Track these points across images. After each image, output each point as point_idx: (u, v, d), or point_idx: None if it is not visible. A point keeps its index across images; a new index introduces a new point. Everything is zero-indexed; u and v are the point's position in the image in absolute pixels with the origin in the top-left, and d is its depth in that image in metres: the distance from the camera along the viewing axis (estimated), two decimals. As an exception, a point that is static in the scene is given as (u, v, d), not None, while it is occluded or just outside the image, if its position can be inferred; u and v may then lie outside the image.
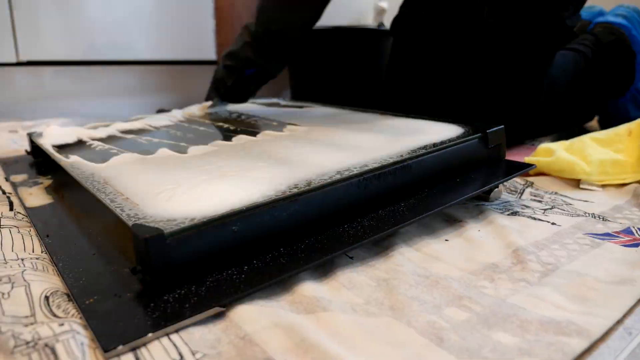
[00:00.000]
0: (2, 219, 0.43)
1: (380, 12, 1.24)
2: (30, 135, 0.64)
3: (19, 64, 0.94)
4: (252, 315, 0.29)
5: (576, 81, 0.76)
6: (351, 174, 0.39)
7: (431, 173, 0.45)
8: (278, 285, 0.32)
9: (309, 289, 0.31)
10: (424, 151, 0.44)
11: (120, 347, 0.25)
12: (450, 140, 0.47)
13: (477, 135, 0.48)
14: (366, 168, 0.40)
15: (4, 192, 0.53)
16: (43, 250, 0.38)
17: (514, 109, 0.69)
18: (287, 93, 1.29)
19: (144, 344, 0.26)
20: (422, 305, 0.30)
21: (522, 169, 0.48)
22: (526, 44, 0.65)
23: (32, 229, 0.42)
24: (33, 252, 0.37)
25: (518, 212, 0.47)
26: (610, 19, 0.85)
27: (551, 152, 0.58)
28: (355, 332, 0.27)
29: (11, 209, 0.47)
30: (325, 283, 0.33)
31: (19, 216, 0.45)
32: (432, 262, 0.36)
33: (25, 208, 0.47)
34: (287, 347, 0.26)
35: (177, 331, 0.27)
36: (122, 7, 1.05)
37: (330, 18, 1.28)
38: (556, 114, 0.76)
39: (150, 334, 0.26)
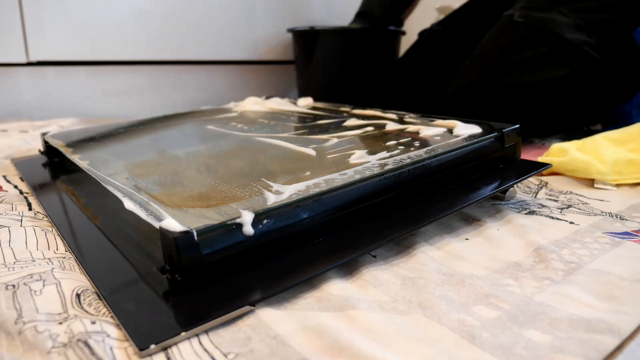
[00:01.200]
0: (23, 218, 0.44)
1: (387, 12, 1.24)
2: (43, 135, 0.64)
3: (30, 64, 0.94)
4: (281, 314, 0.29)
5: (584, 82, 0.76)
6: (372, 173, 0.39)
7: (449, 172, 0.45)
8: (304, 282, 0.32)
9: (335, 287, 0.32)
10: (441, 150, 0.44)
11: (152, 347, 0.25)
12: (467, 140, 0.47)
13: (493, 134, 0.49)
14: (386, 167, 0.40)
15: (21, 192, 0.54)
16: (67, 249, 0.38)
17: (523, 108, 0.70)
18: (294, 93, 1.29)
19: (176, 343, 0.26)
20: (450, 303, 0.30)
21: (538, 168, 0.49)
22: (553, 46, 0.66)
23: (53, 229, 0.42)
24: (57, 250, 0.37)
25: (535, 211, 0.47)
26: None
27: (565, 152, 0.58)
28: (386, 330, 0.27)
29: (30, 208, 0.48)
30: (352, 281, 0.33)
31: (39, 215, 0.45)
32: (455, 260, 0.36)
33: (44, 208, 0.47)
34: (321, 346, 0.26)
35: (206, 330, 0.27)
36: (128, 7, 1.05)
37: (337, 18, 1.28)
38: (564, 114, 0.76)
39: (183, 333, 0.26)
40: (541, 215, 0.46)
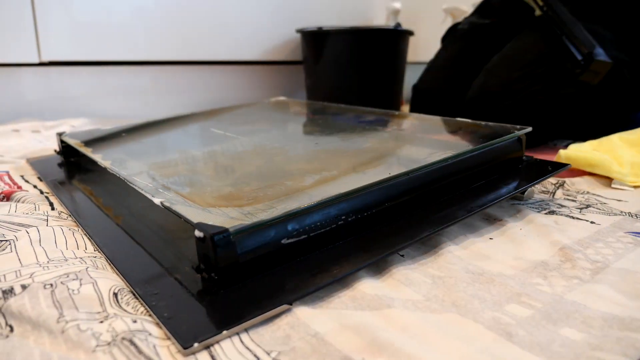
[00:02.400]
0: (48, 218, 0.44)
1: (394, 12, 1.25)
2: (60, 135, 0.64)
3: (41, 64, 0.95)
4: (317, 312, 0.29)
5: (611, 96, 0.77)
6: (397, 172, 0.39)
7: (470, 172, 0.46)
8: (336, 281, 0.32)
9: (368, 286, 0.32)
10: (464, 150, 0.45)
11: (196, 345, 0.26)
12: (489, 140, 0.47)
13: (513, 135, 0.49)
14: (411, 167, 0.41)
15: (41, 192, 0.54)
16: (95, 249, 0.38)
17: (549, 116, 0.70)
18: (302, 93, 1.30)
19: (217, 342, 0.26)
20: (483, 302, 0.30)
21: (558, 168, 0.49)
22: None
23: (79, 228, 0.42)
24: (87, 250, 0.38)
25: (555, 211, 0.47)
26: None
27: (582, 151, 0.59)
28: (423, 328, 0.28)
29: (53, 208, 0.48)
30: (383, 280, 0.33)
31: (63, 215, 0.46)
32: (482, 260, 0.37)
33: (67, 207, 0.47)
34: (361, 345, 0.26)
35: (246, 329, 0.28)
36: (136, 7, 1.05)
37: (342, 19, 1.29)
38: (582, 117, 0.77)
39: (224, 332, 0.26)
40: (561, 215, 0.46)
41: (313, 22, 1.22)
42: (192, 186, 0.41)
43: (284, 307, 0.29)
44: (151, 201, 0.44)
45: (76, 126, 0.93)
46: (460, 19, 1.00)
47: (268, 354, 0.25)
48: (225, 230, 0.30)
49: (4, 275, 0.32)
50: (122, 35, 1.04)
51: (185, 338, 0.26)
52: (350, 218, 0.36)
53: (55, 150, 0.66)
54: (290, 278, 0.31)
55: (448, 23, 1.08)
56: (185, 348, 0.25)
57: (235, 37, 1.18)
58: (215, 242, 0.29)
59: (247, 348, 0.26)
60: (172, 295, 0.30)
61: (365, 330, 0.27)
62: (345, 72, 1.07)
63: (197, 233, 0.30)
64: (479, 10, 0.89)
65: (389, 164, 0.45)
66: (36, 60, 0.93)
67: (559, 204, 0.49)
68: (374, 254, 0.34)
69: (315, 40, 1.07)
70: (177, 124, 0.72)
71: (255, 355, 0.25)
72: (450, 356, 0.25)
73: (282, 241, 0.32)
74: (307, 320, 0.28)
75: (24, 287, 0.30)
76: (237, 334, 0.27)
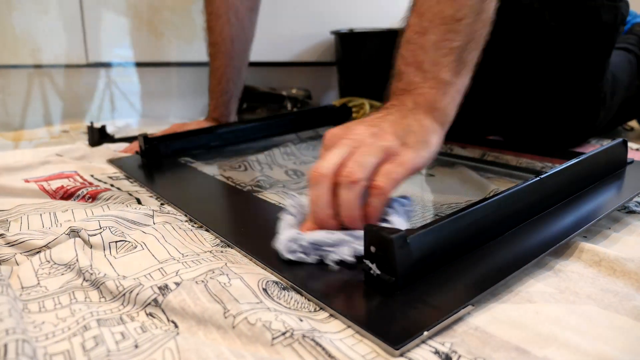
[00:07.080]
0: (154, 214, 0.44)
1: (422, 14, 1.26)
2: (143, 136, 0.64)
3: (88, 65, 0.95)
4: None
5: (632, 78, 0.79)
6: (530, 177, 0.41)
7: (586, 176, 0.47)
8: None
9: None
10: (580, 152, 0.46)
11: (403, 347, 0.26)
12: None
13: (620, 139, 0.51)
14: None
15: (120, 190, 0.54)
16: (214, 243, 0.39)
17: (582, 109, 0.72)
18: (332, 93, 1.31)
19: (422, 342, 0.27)
20: (615, 294, 0.32)
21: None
22: (587, 43, 0.67)
23: (188, 223, 0.43)
24: (204, 245, 0.38)
25: (635, 210, 0.49)
26: None
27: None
28: (573, 320, 0.29)
29: (140, 203, 0.49)
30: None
31: (164, 209, 0.46)
32: (592, 255, 0.38)
33: (173, 204, 0.47)
34: (526, 337, 0.27)
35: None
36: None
37: (373, 21, 1.30)
38: (616, 111, 0.79)
39: (425, 332, 0.26)
40: (643, 213, 0.48)
41: (343, 24, 1.24)
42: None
43: (470, 308, 0.29)
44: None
45: (120, 127, 0.94)
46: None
47: (442, 344, 0.27)
48: (402, 232, 0.30)
49: (150, 274, 0.33)
50: (153, 37, 1.05)
51: (392, 340, 0.26)
52: (496, 220, 0.37)
53: (136, 152, 0.67)
54: (459, 277, 0.32)
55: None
56: (396, 349, 0.25)
57: (271, 39, 1.19)
58: (395, 245, 0.29)
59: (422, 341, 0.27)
60: (345, 295, 0.31)
61: (521, 322, 0.28)
62: (379, 73, 1.09)
63: (373, 231, 0.30)
64: None
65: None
66: (84, 62, 0.94)
67: (636, 202, 0.51)
68: (532, 253, 0.34)
69: (351, 42, 1.08)
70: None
71: (430, 346, 0.26)
72: (613, 346, 0.26)
73: (443, 244, 0.33)
74: (460, 314, 0.29)
75: (177, 284, 0.31)
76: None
